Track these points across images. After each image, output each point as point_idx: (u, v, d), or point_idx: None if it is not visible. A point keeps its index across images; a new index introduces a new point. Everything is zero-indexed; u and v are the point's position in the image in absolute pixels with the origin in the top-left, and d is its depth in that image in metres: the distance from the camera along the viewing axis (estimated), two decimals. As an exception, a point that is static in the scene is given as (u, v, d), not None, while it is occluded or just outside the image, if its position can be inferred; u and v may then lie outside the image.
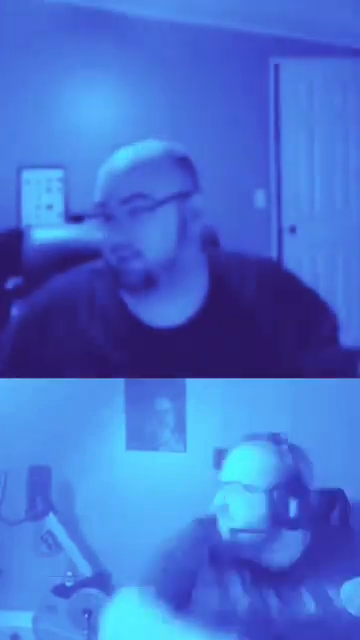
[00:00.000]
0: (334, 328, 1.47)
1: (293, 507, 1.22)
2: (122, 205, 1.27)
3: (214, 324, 1.35)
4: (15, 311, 1.45)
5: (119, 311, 1.35)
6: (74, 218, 4.72)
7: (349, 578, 1.21)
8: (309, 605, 1.22)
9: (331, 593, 1.22)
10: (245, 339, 1.36)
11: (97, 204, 1.30)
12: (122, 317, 1.35)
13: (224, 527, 1.26)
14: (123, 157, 1.31)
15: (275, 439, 1.31)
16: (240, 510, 1.25)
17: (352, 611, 1.19)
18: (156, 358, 1.33)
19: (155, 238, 1.28)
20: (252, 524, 1.23)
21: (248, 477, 1.28)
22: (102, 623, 1.27)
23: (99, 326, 1.34)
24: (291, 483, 1.23)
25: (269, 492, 1.23)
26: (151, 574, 1.28)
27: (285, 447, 1.29)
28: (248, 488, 1.26)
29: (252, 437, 1.35)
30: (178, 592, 1.25)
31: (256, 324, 1.37)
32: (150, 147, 1.34)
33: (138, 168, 1.28)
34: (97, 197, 1.30)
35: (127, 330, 1.34)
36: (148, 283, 1.29)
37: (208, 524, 1.31)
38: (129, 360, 1.33)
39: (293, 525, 1.22)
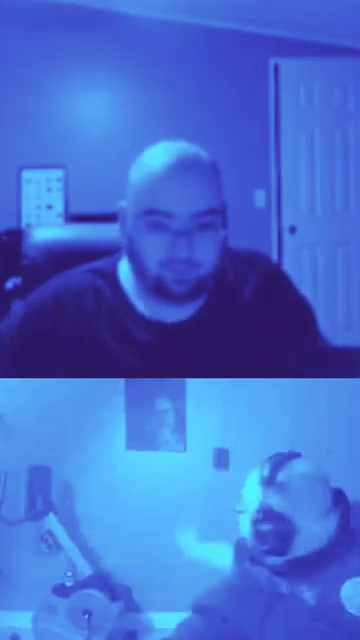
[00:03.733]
0: (314, 320, 1.47)
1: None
2: (194, 219, 1.24)
3: (215, 318, 1.36)
4: (14, 310, 1.44)
5: (127, 311, 1.35)
6: (76, 218, 4.72)
7: (349, 578, 1.22)
8: (309, 603, 1.23)
9: (331, 593, 1.22)
10: (242, 332, 1.37)
11: (161, 213, 1.24)
12: (130, 317, 1.35)
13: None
14: (179, 163, 1.26)
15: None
16: None
17: (352, 610, 1.19)
18: (163, 352, 1.34)
19: (214, 253, 1.28)
20: None
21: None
22: None
23: (105, 325, 1.34)
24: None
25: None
26: None
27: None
28: None
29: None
30: None
31: (251, 316, 1.38)
32: (194, 153, 1.29)
33: (205, 180, 1.25)
34: (158, 205, 1.24)
35: (136, 328, 1.34)
36: (196, 294, 1.29)
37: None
38: (138, 356, 1.33)
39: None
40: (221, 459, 2.67)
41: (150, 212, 1.25)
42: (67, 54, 4.78)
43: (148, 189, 1.25)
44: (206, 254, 1.26)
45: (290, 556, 1.27)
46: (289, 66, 5.27)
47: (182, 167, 1.25)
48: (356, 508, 1.35)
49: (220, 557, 1.47)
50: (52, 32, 4.71)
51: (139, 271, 1.30)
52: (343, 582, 1.22)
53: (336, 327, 5.07)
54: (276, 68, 5.27)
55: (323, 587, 1.24)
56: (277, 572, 1.29)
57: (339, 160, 5.42)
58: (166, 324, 1.35)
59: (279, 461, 1.34)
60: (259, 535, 1.29)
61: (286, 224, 5.36)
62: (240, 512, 1.34)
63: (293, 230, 5.36)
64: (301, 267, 5.33)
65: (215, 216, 1.25)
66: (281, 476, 1.31)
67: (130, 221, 1.30)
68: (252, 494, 1.33)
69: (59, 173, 4.73)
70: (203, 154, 1.29)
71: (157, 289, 1.29)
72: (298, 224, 5.37)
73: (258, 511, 1.29)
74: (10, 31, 4.64)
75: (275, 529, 1.27)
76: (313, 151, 5.38)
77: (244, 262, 1.40)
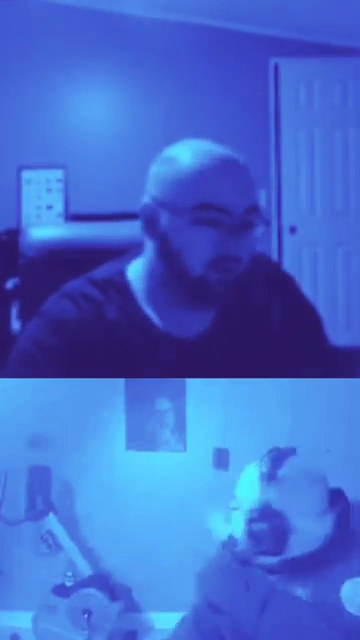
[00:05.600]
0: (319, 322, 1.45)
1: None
2: (245, 215, 1.20)
3: (230, 328, 1.33)
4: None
5: (140, 326, 1.29)
6: (76, 218, 4.72)
7: (349, 578, 1.22)
8: (304, 600, 1.23)
9: (328, 592, 1.22)
10: (255, 339, 1.34)
11: (216, 208, 1.18)
12: (144, 333, 1.29)
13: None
14: (227, 158, 1.22)
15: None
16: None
17: (352, 610, 1.19)
18: (180, 368, 1.29)
19: (252, 250, 1.24)
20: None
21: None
22: None
23: (116, 341, 1.27)
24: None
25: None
26: None
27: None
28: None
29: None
30: None
31: (262, 323, 1.36)
32: (228, 151, 1.26)
33: (248, 175, 1.22)
34: (212, 199, 1.18)
35: (152, 345, 1.28)
36: (228, 296, 1.24)
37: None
38: (158, 371, 1.28)
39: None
40: (221, 459, 2.67)
41: (203, 207, 1.19)
42: (67, 54, 4.78)
43: (198, 183, 1.19)
44: (246, 252, 1.22)
45: (285, 556, 1.25)
46: (289, 66, 5.27)
47: (232, 162, 1.22)
48: (356, 508, 1.34)
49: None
50: (52, 32, 4.71)
51: (176, 273, 1.23)
52: (341, 582, 1.22)
53: (336, 327, 5.07)
54: (276, 68, 5.27)
55: (318, 587, 1.23)
56: (271, 571, 1.28)
57: (339, 160, 5.42)
58: (185, 339, 1.30)
59: (278, 457, 1.30)
60: (254, 534, 1.26)
61: (286, 224, 5.36)
62: (233, 509, 1.31)
63: (293, 230, 5.36)
64: (301, 267, 5.33)
65: (258, 212, 1.22)
66: (281, 472, 1.28)
67: (166, 218, 1.22)
68: (248, 491, 1.30)
69: (59, 173, 4.73)
70: (230, 150, 1.26)
71: (198, 292, 1.23)
72: (298, 224, 5.37)
73: (254, 509, 1.26)
74: (10, 31, 4.64)
75: (271, 527, 1.24)
76: (313, 151, 5.38)
77: (251, 265, 1.34)
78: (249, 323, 1.35)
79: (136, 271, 1.32)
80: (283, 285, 1.43)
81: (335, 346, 1.46)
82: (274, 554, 1.25)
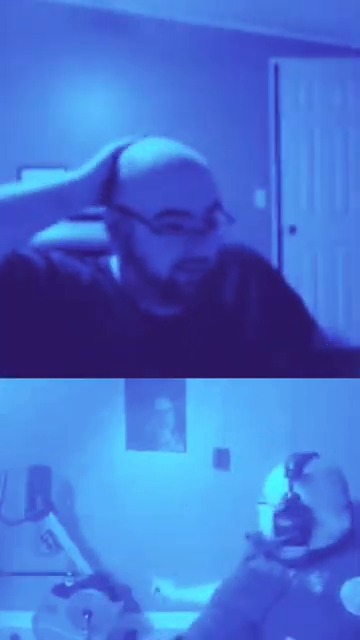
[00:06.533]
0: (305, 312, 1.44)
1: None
2: (207, 215, 1.19)
3: (206, 312, 1.32)
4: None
5: (128, 305, 1.28)
6: (76, 218, 4.72)
7: (349, 577, 1.23)
8: (317, 594, 1.26)
9: (331, 592, 1.22)
10: (227, 327, 1.33)
11: (178, 213, 1.17)
12: (131, 310, 1.28)
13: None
14: (182, 159, 1.20)
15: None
16: None
17: (352, 610, 1.20)
18: (162, 343, 1.28)
19: (217, 248, 1.23)
20: None
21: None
22: None
23: (109, 319, 1.27)
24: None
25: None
26: None
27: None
28: None
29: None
30: None
31: (235, 312, 1.34)
32: (182, 148, 1.23)
33: (207, 173, 1.21)
34: (172, 204, 1.17)
35: (136, 320, 1.28)
36: (199, 294, 1.23)
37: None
38: (140, 347, 1.27)
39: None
40: (221, 459, 2.67)
41: (164, 214, 1.17)
42: (67, 54, 4.78)
43: (156, 189, 1.18)
44: (212, 250, 1.22)
45: (309, 547, 1.32)
46: (289, 66, 5.27)
47: (187, 163, 1.20)
48: (356, 508, 1.38)
49: (200, 597, 1.51)
50: (52, 32, 4.71)
51: (143, 277, 1.22)
52: (351, 574, 1.25)
53: (336, 327, 5.07)
54: (276, 68, 5.27)
55: (332, 578, 1.27)
56: (292, 564, 1.32)
57: (339, 160, 5.42)
58: (159, 316, 1.29)
59: (303, 458, 1.39)
60: (281, 527, 1.33)
61: (286, 224, 5.36)
62: (261, 504, 1.39)
63: (293, 230, 5.36)
64: (301, 267, 5.33)
65: (219, 209, 1.21)
66: (307, 470, 1.37)
67: (128, 225, 1.21)
68: (275, 487, 1.38)
69: (59, 173, 4.74)
70: (188, 149, 1.25)
71: (166, 293, 1.22)
72: (298, 224, 5.37)
73: (282, 503, 1.34)
74: (10, 31, 4.64)
75: (299, 520, 1.32)
76: (313, 151, 5.38)
77: (227, 255, 1.34)
78: (224, 316, 1.33)
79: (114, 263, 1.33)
80: (262, 275, 1.40)
81: (329, 340, 1.44)
82: (300, 544, 1.32)
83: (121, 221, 1.22)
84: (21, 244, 1.24)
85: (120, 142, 1.29)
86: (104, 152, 1.27)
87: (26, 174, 4.69)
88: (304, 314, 1.43)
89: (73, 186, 1.25)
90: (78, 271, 1.29)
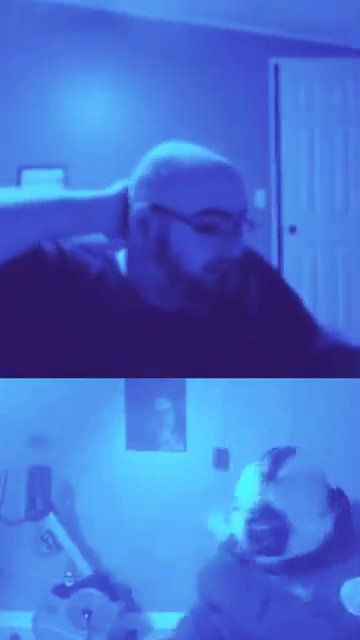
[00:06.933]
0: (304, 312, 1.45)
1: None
2: (239, 218, 1.22)
3: (206, 312, 1.32)
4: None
5: (132, 296, 1.29)
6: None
7: (349, 577, 1.22)
8: (305, 600, 1.23)
9: (331, 592, 1.22)
10: (226, 326, 1.34)
11: (219, 213, 1.20)
12: (135, 304, 1.29)
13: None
14: (219, 162, 1.24)
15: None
16: None
17: (352, 610, 1.19)
18: (162, 343, 1.28)
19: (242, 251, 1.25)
20: None
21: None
22: None
23: (112, 313, 1.26)
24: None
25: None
26: None
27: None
28: None
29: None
30: None
31: (236, 310, 1.35)
32: (213, 154, 1.27)
33: (241, 178, 1.25)
34: (214, 204, 1.19)
35: (139, 314, 1.28)
36: (222, 294, 1.26)
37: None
38: (140, 347, 1.26)
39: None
40: (221, 459, 2.67)
41: (207, 212, 1.19)
42: (67, 54, 4.78)
43: (201, 188, 1.20)
44: (239, 252, 1.24)
45: (285, 556, 1.25)
46: (289, 66, 5.27)
47: (224, 166, 1.24)
48: (356, 508, 1.34)
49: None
50: (52, 32, 4.71)
51: (172, 275, 1.23)
52: (341, 582, 1.22)
53: (336, 327, 5.07)
54: (276, 68, 5.26)
55: (318, 587, 1.23)
56: (271, 571, 1.28)
57: (339, 160, 5.41)
58: (164, 311, 1.29)
59: (277, 457, 1.30)
60: (254, 534, 1.26)
61: (286, 224, 5.36)
62: (234, 509, 1.31)
63: (293, 230, 5.35)
64: (301, 267, 5.33)
65: (246, 215, 1.25)
66: (282, 472, 1.28)
67: (165, 222, 1.21)
68: (248, 491, 1.30)
69: (59, 173, 4.73)
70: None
71: (194, 294, 1.24)
72: (298, 224, 5.36)
73: (255, 509, 1.26)
74: (10, 31, 4.64)
75: (272, 527, 1.24)
76: (313, 151, 5.38)
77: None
78: (224, 316, 1.34)
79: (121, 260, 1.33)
80: (262, 275, 1.42)
81: (329, 339, 1.44)
82: (274, 554, 1.25)
83: (154, 218, 1.22)
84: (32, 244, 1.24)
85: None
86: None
87: (26, 174, 4.68)
88: (304, 314, 1.44)
89: (103, 204, 1.28)
90: (88, 261, 1.29)
